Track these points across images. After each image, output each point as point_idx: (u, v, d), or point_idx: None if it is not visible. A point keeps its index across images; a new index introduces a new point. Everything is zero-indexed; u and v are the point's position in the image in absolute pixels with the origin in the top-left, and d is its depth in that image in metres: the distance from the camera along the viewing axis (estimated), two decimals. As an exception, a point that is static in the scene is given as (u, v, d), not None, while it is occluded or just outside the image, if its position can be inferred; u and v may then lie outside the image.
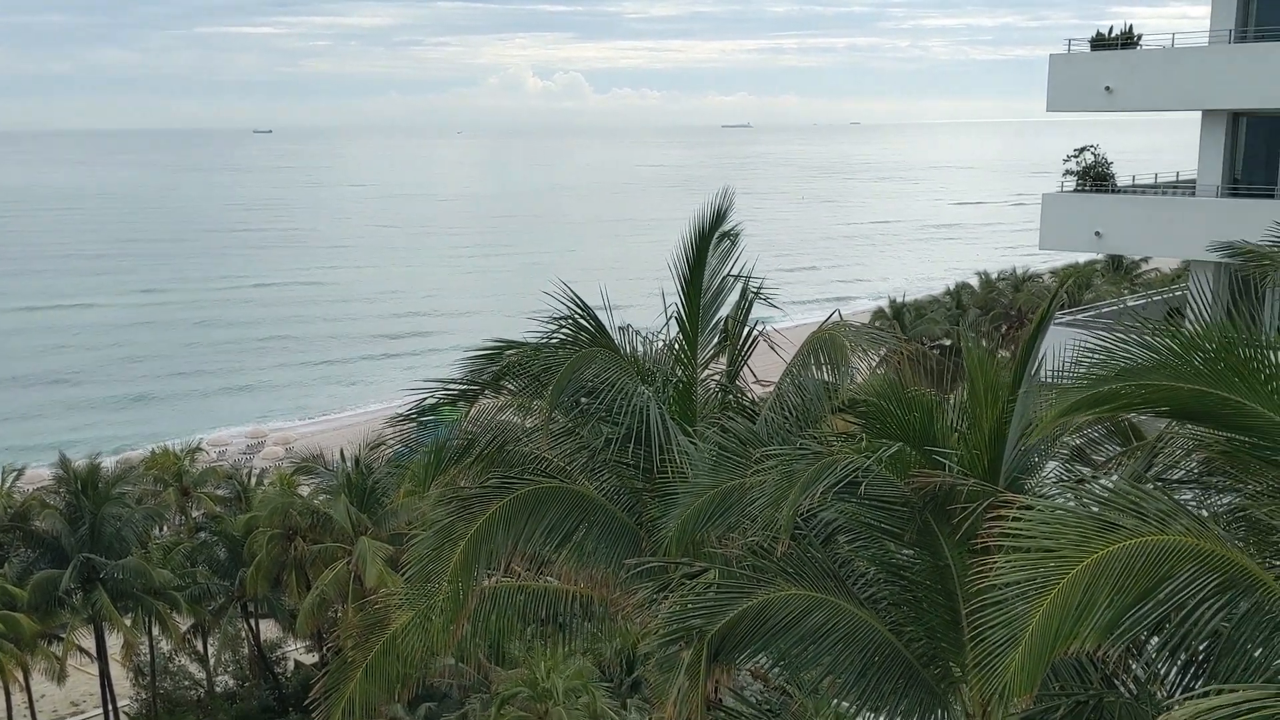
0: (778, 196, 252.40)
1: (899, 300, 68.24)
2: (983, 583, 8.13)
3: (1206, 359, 7.97)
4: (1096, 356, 8.78)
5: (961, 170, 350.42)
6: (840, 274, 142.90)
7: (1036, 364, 10.60)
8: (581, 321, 12.31)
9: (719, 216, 13.14)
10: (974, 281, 73.09)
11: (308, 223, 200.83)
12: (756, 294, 13.70)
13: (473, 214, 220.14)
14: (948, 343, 63.96)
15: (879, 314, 67.07)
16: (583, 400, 12.44)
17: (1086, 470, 10.68)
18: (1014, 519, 8.25)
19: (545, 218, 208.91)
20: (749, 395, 13.86)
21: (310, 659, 39.66)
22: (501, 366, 12.28)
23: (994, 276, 72.97)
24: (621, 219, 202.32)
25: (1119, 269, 69.04)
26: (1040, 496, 9.59)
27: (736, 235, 13.26)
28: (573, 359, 11.52)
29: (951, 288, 73.71)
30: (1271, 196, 24.27)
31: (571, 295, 12.28)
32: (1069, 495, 9.47)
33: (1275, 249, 14.00)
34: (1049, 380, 10.44)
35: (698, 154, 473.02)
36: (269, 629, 40.30)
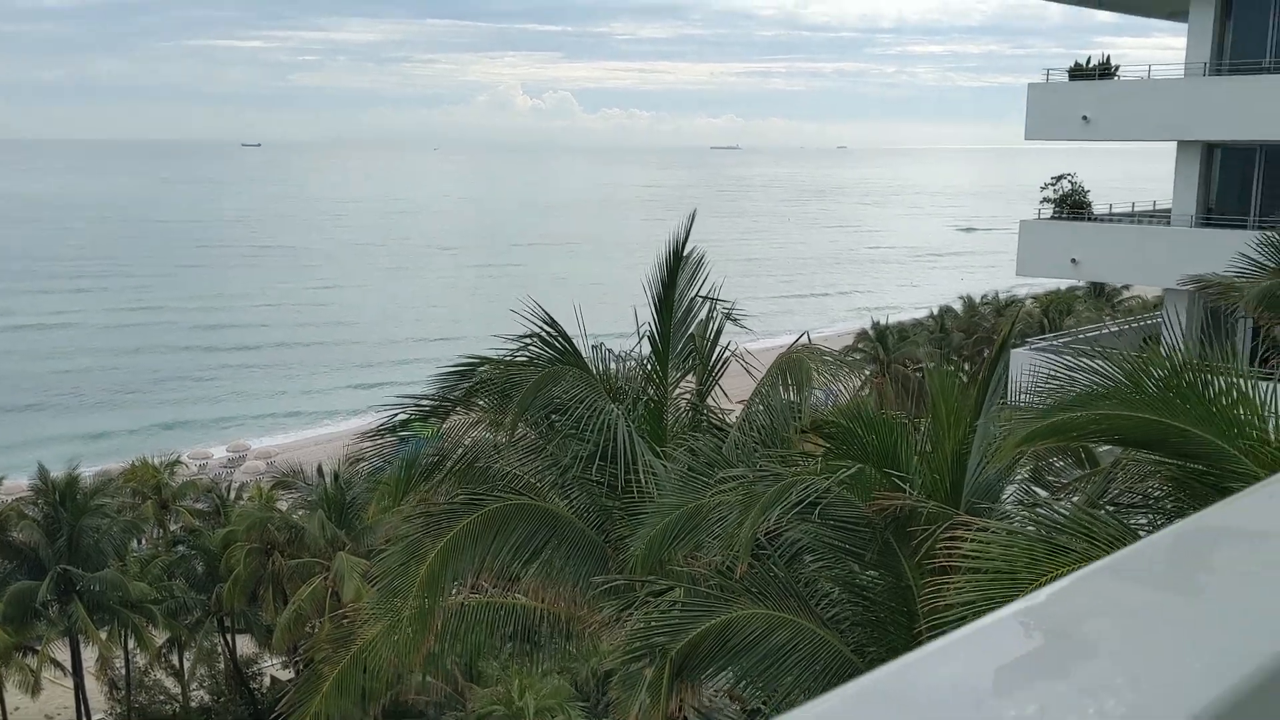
0: (768, 218, 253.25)
1: (882, 323, 68.53)
2: (938, 602, 8.29)
3: (1157, 387, 8.15)
4: (1053, 384, 8.97)
5: (949, 195, 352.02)
6: (830, 295, 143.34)
7: (997, 388, 10.79)
8: (549, 339, 12.45)
9: (687, 238, 13.33)
10: (957, 305, 73.53)
11: (295, 238, 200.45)
12: (728, 315, 13.88)
13: (462, 231, 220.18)
14: (931, 365, 64.23)
15: (862, 335, 67.37)
16: (554, 417, 12.57)
17: (1044, 494, 10.86)
18: (971, 541, 8.42)
19: (536, 236, 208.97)
20: (720, 415, 14.02)
21: (287, 674, 39.51)
22: (473, 383, 12.41)
23: (977, 300, 73.42)
24: (611, 239, 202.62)
25: (1100, 295, 69.54)
26: (996, 519, 9.75)
27: (701, 258, 13.44)
28: (539, 376, 11.65)
29: (935, 311, 74.13)
30: (1244, 227, 24.59)
31: (541, 313, 12.43)
32: (1026, 518, 9.63)
33: (1240, 279, 14.24)
34: (1014, 404, 10.62)
35: (688, 175, 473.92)
36: (245, 644, 40.17)
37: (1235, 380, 8.36)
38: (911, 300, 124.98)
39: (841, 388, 14.87)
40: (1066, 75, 27.43)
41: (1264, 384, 9.01)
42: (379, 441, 13.18)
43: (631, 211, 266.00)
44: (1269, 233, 15.22)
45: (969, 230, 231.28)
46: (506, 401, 12.26)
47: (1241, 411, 8.44)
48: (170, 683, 39.26)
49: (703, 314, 14.11)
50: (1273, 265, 13.93)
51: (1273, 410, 9.10)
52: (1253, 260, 14.01)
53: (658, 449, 12.65)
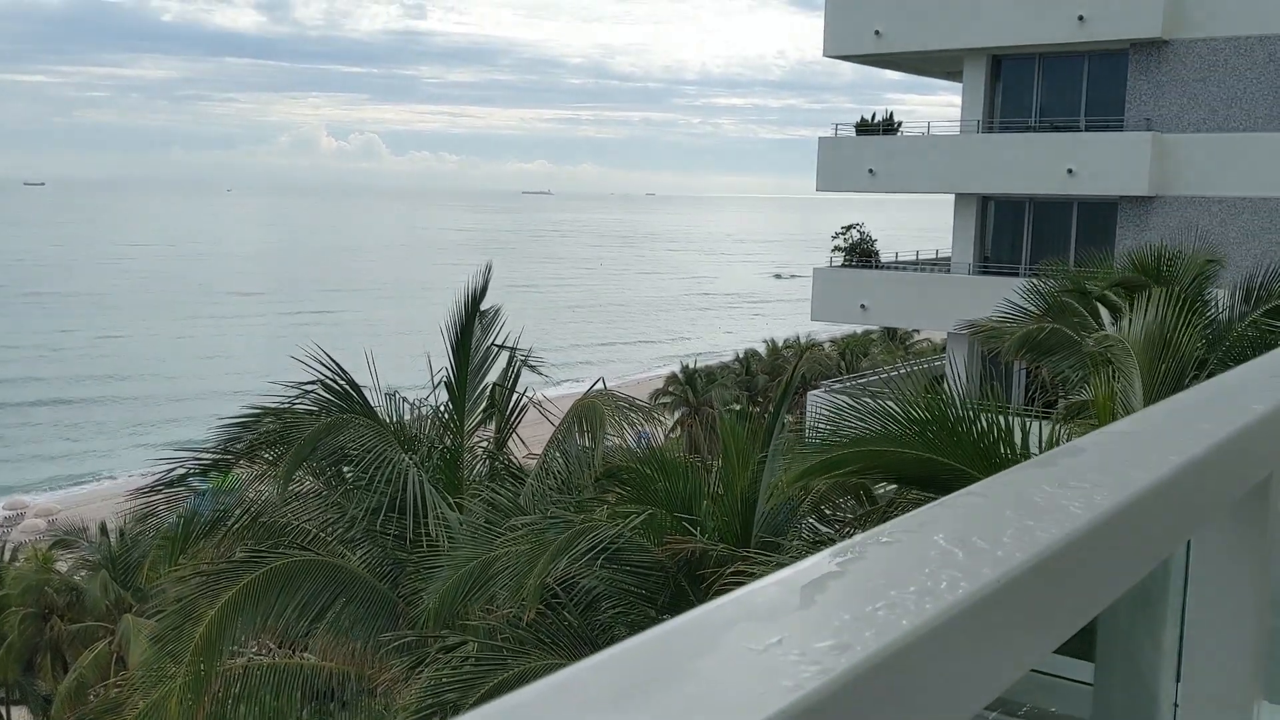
0: (585, 263, 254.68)
1: (691, 366, 69.78)
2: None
3: (923, 426, 8.54)
4: (835, 423, 9.30)
5: (758, 242, 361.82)
6: (652, 341, 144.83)
7: (784, 428, 11.11)
8: (334, 386, 12.13)
9: (486, 285, 13.27)
10: (762, 349, 75.62)
11: (78, 283, 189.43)
12: (525, 362, 13.85)
13: (264, 276, 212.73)
14: (737, 407, 65.72)
15: (672, 379, 68.45)
16: (344, 469, 12.22)
17: (827, 531, 11.22)
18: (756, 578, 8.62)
19: (343, 281, 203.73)
20: (518, 463, 13.93)
21: (66, 749, 36.88)
22: (257, 435, 11.94)
23: (780, 344, 75.70)
24: (422, 283, 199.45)
25: (893, 338, 72.79)
26: (787, 557, 10.00)
27: (499, 310, 13.41)
28: (317, 426, 11.32)
29: (741, 354, 76.03)
30: (1016, 274, 26.24)
31: (326, 360, 12.09)
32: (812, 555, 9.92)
33: (1006, 325, 15.13)
34: (796, 443, 10.94)
35: (500, 219, 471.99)
36: (21, 717, 37.36)
37: (996, 419, 8.84)
38: (731, 344, 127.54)
39: (654, 431, 15.05)
40: (854, 130, 28.80)
41: (1029, 420, 9.59)
42: (162, 496, 12.51)
43: (444, 255, 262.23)
44: (1034, 280, 16.24)
45: (780, 277, 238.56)
46: (290, 453, 11.83)
47: (1003, 448, 8.92)
48: (-69, 765, 36.08)
49: (502, 361, 14.03)
50: (1036, 311, 14.86)
51: (1039, 445, 9.68)
52: (1017, 306, 14.93)
53: (452, 499, 12.44)
